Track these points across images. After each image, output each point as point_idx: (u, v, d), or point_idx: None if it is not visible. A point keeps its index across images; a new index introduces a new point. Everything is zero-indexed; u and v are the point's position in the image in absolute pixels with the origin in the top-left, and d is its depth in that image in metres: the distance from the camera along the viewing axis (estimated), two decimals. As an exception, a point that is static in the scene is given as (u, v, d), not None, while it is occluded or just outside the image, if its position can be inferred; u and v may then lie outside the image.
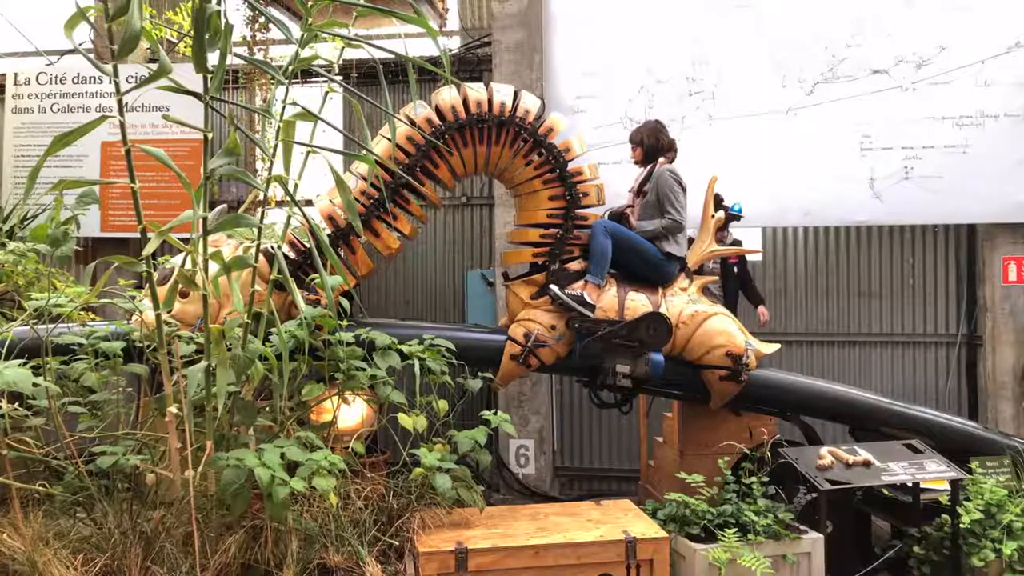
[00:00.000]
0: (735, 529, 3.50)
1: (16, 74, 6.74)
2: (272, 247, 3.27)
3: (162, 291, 3.11)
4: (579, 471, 6.36)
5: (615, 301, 4.32)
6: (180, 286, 3.08)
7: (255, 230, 3.22)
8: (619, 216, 4.69)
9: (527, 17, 6.09)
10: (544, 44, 6.14)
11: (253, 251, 3.25)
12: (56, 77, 6.68)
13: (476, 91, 4.28)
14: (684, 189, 4.49)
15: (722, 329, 4.34)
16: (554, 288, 4.25)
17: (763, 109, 5.74)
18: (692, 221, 4.65)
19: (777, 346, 4.66)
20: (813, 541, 3.60)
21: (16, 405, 3.10)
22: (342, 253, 4.19)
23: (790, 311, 6.22)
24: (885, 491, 4.18)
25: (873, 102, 5.75)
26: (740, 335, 4.36)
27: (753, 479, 3.86)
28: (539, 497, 5.75)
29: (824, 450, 4.04)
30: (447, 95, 4.25)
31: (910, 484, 3.95)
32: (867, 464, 3.94)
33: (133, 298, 3.57)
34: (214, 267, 3.35)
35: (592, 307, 4.23)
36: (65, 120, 6.56)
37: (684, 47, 5.98)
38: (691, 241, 4.73)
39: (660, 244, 4.43)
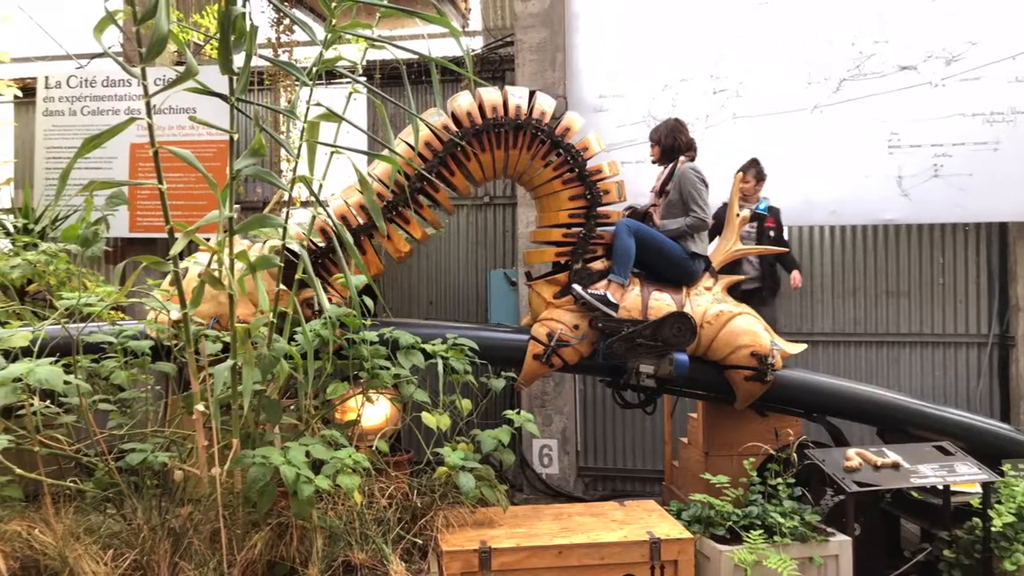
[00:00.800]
0: (761, 531, 3.47)
1: (47, 77, 6.86)
2: (288, 247, 3.28)
3: (189, 290, 3.15)
4: (603, 471, 6.34)
5: (639, 300, 4.30)
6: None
7: (279, 230, 3.25)
8: (643, 215, 4.66)
9: (549, 17, 6.08)
10: (567, 43, 6.13)
11: (265, 250, 3.27)
12: (86, 80, 6.80)
13: (491, 95, 4.26)
14: (707, 186, 4.46)
15: (747, 329, 4.30)
16: (577, 287, 4.24)
17: (788, 107, 5.68)
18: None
19: (803, 346, 4.61)
20: (840, 544, 3.55)
21: (48, 402, 3.16)
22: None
23: (816, 311, 6.15)
24: (915, 494, 4.12)
25: (901, 99, 5.66)
26: (765, 335, 4.32)
27: (779, 480, 3.82)
28: (562, 497, 5.74)
29: (851, 452, 3.99)
30: (463, 101, 4.25)
31: (940, 487, 3.88)
32: (896, 466, 3.89)
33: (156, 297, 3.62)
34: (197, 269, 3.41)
35: (615, 306, 4.22)
36: (95, 122, 6.67)
37: (708, 45, 5.94)
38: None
39: (685, 243, 4.40)
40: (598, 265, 4.37)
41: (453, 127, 4.21)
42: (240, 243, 3.93)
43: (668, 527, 3.51)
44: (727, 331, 4.29)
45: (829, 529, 3.63)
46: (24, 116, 7.17)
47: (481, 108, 4.23)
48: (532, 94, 4.33)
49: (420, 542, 3.33)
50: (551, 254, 4.42)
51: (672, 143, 4.60)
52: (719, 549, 3.45)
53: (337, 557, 3.01)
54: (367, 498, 3.26)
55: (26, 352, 3.08)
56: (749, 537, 3.42)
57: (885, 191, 5.68)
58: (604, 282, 4.29)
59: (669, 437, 5.39)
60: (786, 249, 5.25)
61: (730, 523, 3.63)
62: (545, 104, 4.31)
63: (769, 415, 4.52)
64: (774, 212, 5.47)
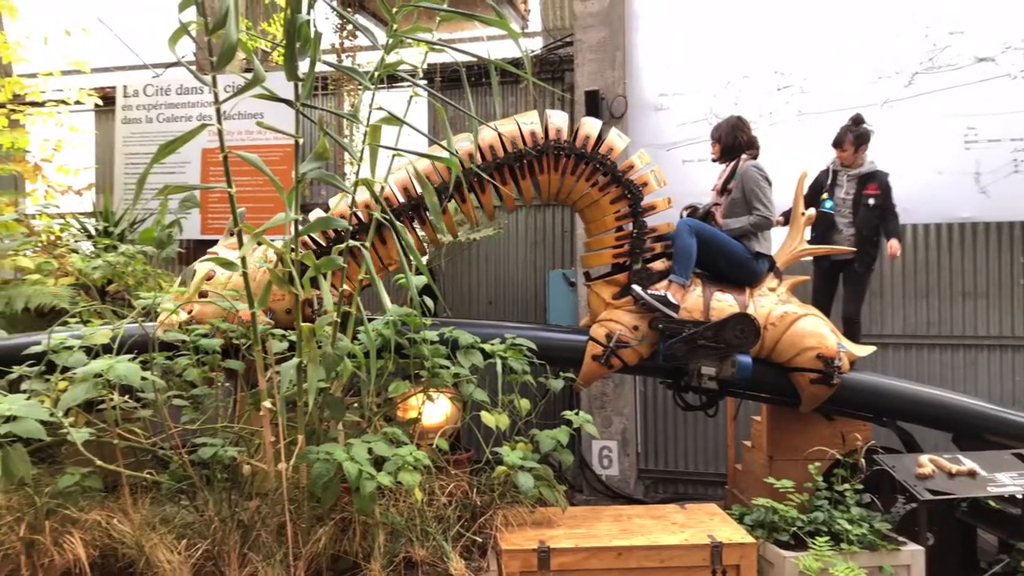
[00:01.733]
0: (827, 538, 3.38)
1: (125, 87, 7.18)
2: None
3: (257, 287, 3.25)
4: (663, 474, 6.27)
5: (700, 301, 4.24)
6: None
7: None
8: (705, 215, 4.60)
9: (609, 16, 6.05)
10: (627, 42, 6.09)
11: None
12: (161, 89, 7.08)
13: (507, 128, 4.23)
14: (771, 184, 4.37)
15: (813, 331, 4.19)
16: (636, 288, 4.20)
17: (857, 102, 5.50)
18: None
19: (872, 348, 4.47)
20: (913, 553, 3.44)
21: (126, 397, 3.30)
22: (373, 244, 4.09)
23: (886, 312, 5.94)
24: (992, 503, 3.95)
25: (978, 92, 5.43)
26: (832, 337, 4.21)
27: (846, 486, 3.72)
28: (622, 499, 5.70)
29: (924, 458, 3.86)
30: (486, 135, 4.21)
31: (1019, 496, 3.72)
32: (972, 474, 3.74)
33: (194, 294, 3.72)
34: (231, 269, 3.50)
35: (676, 307, 4.17)
36: (169, 129, 6.95)
37: (772, 40, 5.82)
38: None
39: (748, 242, 4.32)
40: (658, 265, 4.32)
41: (479, 159, 4.17)
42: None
43: (730, 531, 3.45)
44: (792, 333, 4.19)
45: (900, 538, 3.52)
46: (104, 124, 7.51)
47: (503, 143, 4.22)
48: (542, 115, 4.28)
49: (479, 540, 3.35)
50: (608, 256, 4.39)
51: (733, 141, 4.53)
52: (783, 555, 3.38)
53: (398, 553, 3.06)
54: (428, 495, 3.30)
55: (106, 349, 3.22)
56: (815, 544, 3.34)
57: (960, 188, 5.46)
58: (664, 282, 4.24)
59: (732, 440, 5.30)
60: (853, 250, 5.06)
61: (795, 529, 3.55)
62: (558, 121, 4.27)
63: (836, 419, 4.40)
64: (880, 177, 5.17)
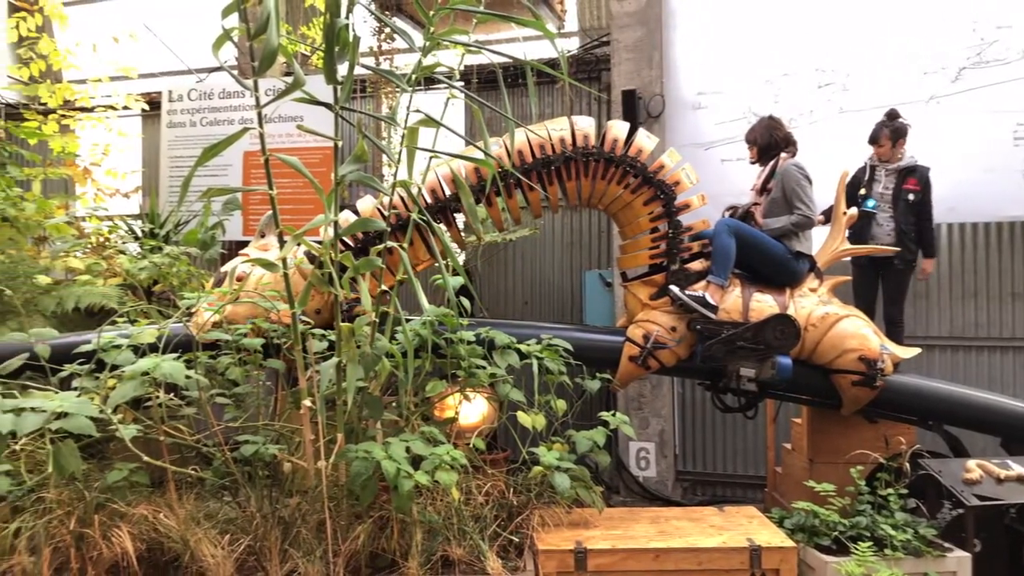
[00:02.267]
0: (870, 543, 3.32)
1: (170, 91, 7.34)
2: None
3: (297, 287, 3.30)
4: (702, 476, 6.21)
5: (739, 302, 4.19)
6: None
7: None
8: (744, 215, 4.54)
9: (646, 15, 6.01)
10: (664, 41, 6.05)
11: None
12: (204, 93, 7.23)
13: (535, 134, 4.21)
14: (811, 182, 4.31)
15: (855, 332, 4.12)
16: (674, 289, 4.17)
17: (901, 99, 5.39)
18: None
19: (916, 350, 4.37)
20: (959, 560, 3.36)
21: (172, 395, 3.38)
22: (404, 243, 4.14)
23: (932, 313, 5.80)
24: (1043, 510, 3.84)
25: (1029, 87, 5.29)
26: (875, 338, 4.13)
27: (890, 491, 3.65)
28: (659, 501, 5.66)
29: (972, 463, 3.77)
30: (516, 139, 4.18)
31: (1072, 503, 3.61)
32: (1021, 479, 3.64)
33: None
34: (259, 270, 3.56)
35: (715, 308, 4.13)
36: (212, 132, 7.10)
37: (813, 37, 5.73)
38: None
39: (789, 242, 4.27)
40: (696, 266, 4.29)
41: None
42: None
43: (769, 535, 3.41)
44: (833, 334, 4.12)
45: (946, 544, 3.44)
46: (150, 128, 7.70)
47: (531, 148, 4.21)
48: (570, 121, 4.26)
49: (516, 540, 3.36)
50: (645, 257, 4.36)
51: (769, 140, 4.50)
52: (824, 560, 3.33)
53: (436, 551, 3.08)
54: (464, 495, 3.31)
55: (153, 348, 3.30)
56: (857, 549, 3.28)
57: (1010, 186, 5.32)
58: (703, 283, 4.20)
59: (772, 442, 5.23)
60: (895, 249, 4.95)
61: (836, 533, 3.49)
62: (585, 126, 4.25)
63: (879, 422, 4.31)
64: (920, 172, 5.10)
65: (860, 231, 5.05)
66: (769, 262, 4.28)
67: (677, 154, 4.37)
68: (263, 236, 4.29)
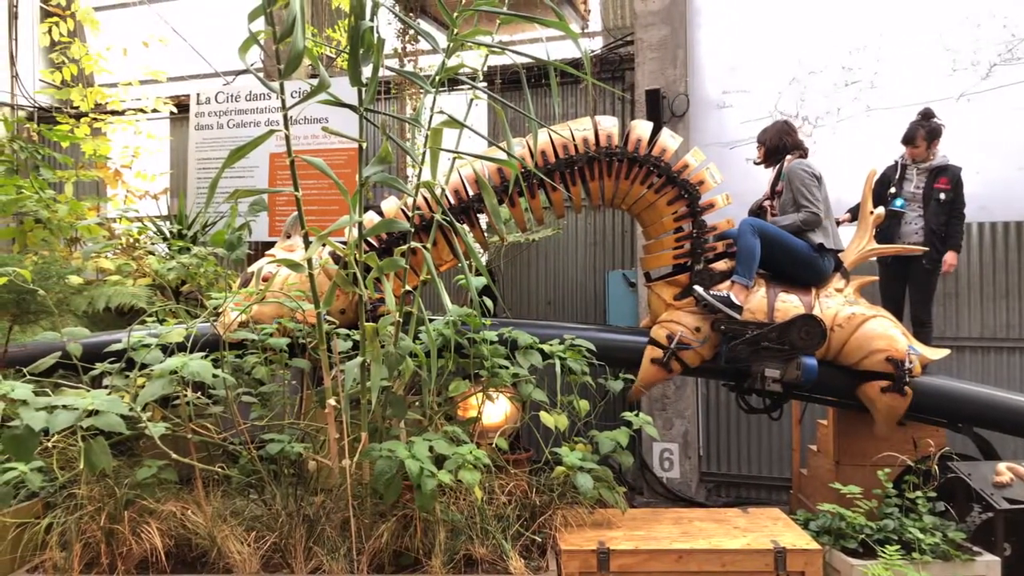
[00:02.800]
0: (897, 546, 3.28)
1: (198, 94, 7.45)
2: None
3: (323, 289, 3.33)
4: (726, 477, 6.17)
5: (764, 302, 4.16)
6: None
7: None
8: (756, 211, 4.53)
9: (670, 14, 5.99)
10: (688, 40, 6.02)
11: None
12: (231, 96, 7.32)
13: (558, 134, 4.22)
14: (819, 180, 4.28)
15: (883, 333, 4.06)
16: (698, 289, 4.15)
17: (930, 96, 5.32)
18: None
19: (945, 351, 4.30)
20: (988, 564, 3.30)
21: (199, 394, 3.43)
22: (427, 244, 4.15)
23: (962, 314, 5.71)
24: (1076, 514, 3.76)
25: (1062, 83, 5.19)
26: (902, 339, 4.07)
27: (918, 494, 3.60)
28: (683, 502, 5.63)
29: (1002, 466, 3.70)
30: (542, 139, 4.20)
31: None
32: (1054, 483, 3.57)
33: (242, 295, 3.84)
34: (285, 270, 3.58)
35: (739, 308, 4.10)
36: (239, 134, 7.18)
37: (840, 34, 5.66)
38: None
39: (809, 237, 4.22)
40: (721, 266, 4.26)
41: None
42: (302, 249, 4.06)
43: (794, 537, 3.38)
44: (860, 335, 4.07)
45: (975, 548, 3.38)
46: (179, 131, 7.81)
47: (554, 148, 4.21)
48: (593, 121, 4.25)
49: (539, 540, 3.36)
50: (669, 257, 4.34)
51: (778, 143, 4.50)
52: (851, 563, 3.29)
53: (459, 550, 3.09)
54: (487, 494, 3.33)
55: (181, 347, 3.35)
56: (884, 552, 3.24)
57: (1043, 184, 5.22)
58: (727, 283, 4.18)
59: (798, 444, 5.18)
60: (924, 248, 4.88)
61: (863, 536, 3.45)
62: (609, 126, 4.23)
63: (907, 424, 4.25)
64: (952, 171, 5.02)
65: (888, 230, 4.99)
66: (793, 261, 4.24)
67: (701, 153, 4.34)
68: (289, 237, 4.34)
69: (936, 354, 4.22)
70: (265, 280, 4.07)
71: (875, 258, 5.00)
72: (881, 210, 4.49)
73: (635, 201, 4.32)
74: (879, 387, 4.03)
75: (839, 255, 4.35)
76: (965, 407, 4.21)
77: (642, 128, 4.28)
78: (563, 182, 4.25)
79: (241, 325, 3.78)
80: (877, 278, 4.92)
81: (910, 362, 3.97)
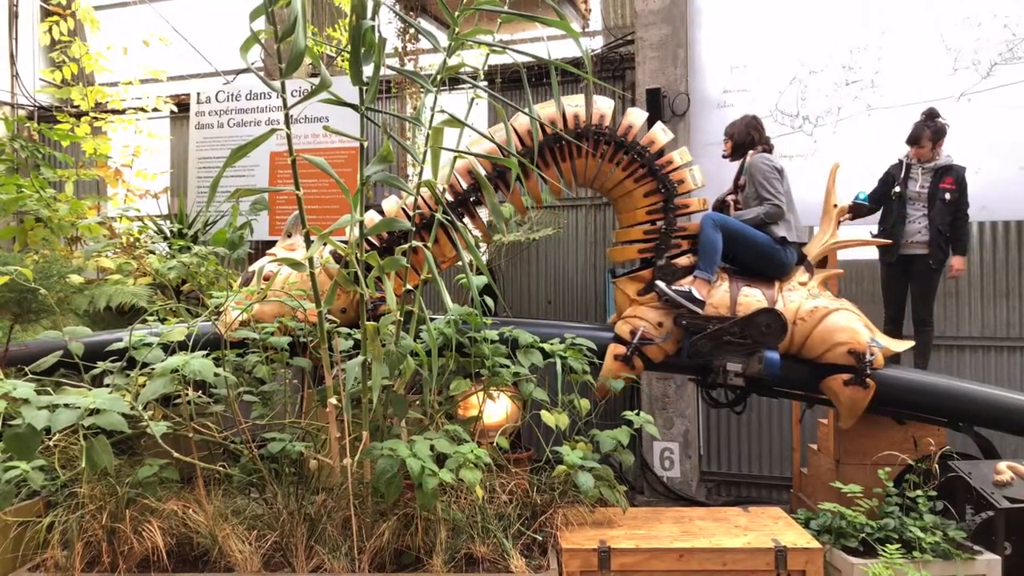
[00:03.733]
0: (898, 545, 3.28)
1: (199, 93, 7.44)
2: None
3: (324, 288, 3.33)
4: (726, 476, 6.18)
5: (727, 297, 4.15)
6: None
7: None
8: (720, 205, 4.54)
9: (671, 13, 5.99)
10: (689, 39, 6.02)
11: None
12: (232, 95, 7.32)
13: (547, 111, 4.21)
14: (781, 173, 4.29)
15: (845, 326, 4.03)
16: (660, 284, 4.14)
17: (931, 96, 5.32)
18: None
19: (909, 343, 4.30)
20: (989, 563, 3.31)
21: (200, 393, 3.43)
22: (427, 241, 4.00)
23: (963, 313, 5.71)
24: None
25: (1063, 82, 5.19)
26: (865, 332, 4.03)
27: (919, 493, 3.60)
28: (684, 501, 5.63)
29: (1003, 465, 3.71)
30: (524, 120, 4.20)
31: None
32: (1054, 482, 3.57)
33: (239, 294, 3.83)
34: (286, 269, 3.58)
35: (701, 303, 4.09)
36: (239, 133, 7.18)
37: (841, 34, 5.66)
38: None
39: (772, 230, 4.22)
40: (683, 261, 4.24)
41: (519, 145, 4.15)
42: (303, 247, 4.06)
43: (795, 536, 3.38)
44: (822, 328, 4.05)
45: (976, 547, 3.39)
46: (179, 130, 7.81)
47: (542, 125, 4.19)
48: (588, 100, 4.25)
49: (540, 538, 3.37)
50: (635, 251, 4.34)
51: (745, 137, 4.51)
52: (851, 562, 3.29)
53: (460, 549, 3.10)
54: (488, 493, 3.33)
55: (182, 346, 3.35)
56: (885, 551, 3.24)
57: (1043, 183, 5.22)
58: (690, 278, 4.18)
59: (798, 443, 5.18)
60: (887, 241, 4.89)
61: (863, 535, 3.46)
62: (603, 106, 4.24)
63: (908, 423, 4.25)
64: (957, 171, 5.01)
65: (893, 229, 4.99)
66: (756, 254, 4.23)
67: (688, 154, 4.36)
68: (290, 236, 4.35)
69: (900, 346, 4.22)
70: (266, 279, 4.07)
71: (878, 256, 5.02)
72: (845, 203, 4.52)
73: (614, 186, 4.33)
74: (841, 380, 4.01)
75: (803, 248, 4.35)
76: (966, 406, 4.18)
77: (636, 116, 4.29)
78: (553, 160, 4.24)
79: (242, 324, 3.78)
80: (843, 271, 4.89)
81: (871, 354, 3.95)
